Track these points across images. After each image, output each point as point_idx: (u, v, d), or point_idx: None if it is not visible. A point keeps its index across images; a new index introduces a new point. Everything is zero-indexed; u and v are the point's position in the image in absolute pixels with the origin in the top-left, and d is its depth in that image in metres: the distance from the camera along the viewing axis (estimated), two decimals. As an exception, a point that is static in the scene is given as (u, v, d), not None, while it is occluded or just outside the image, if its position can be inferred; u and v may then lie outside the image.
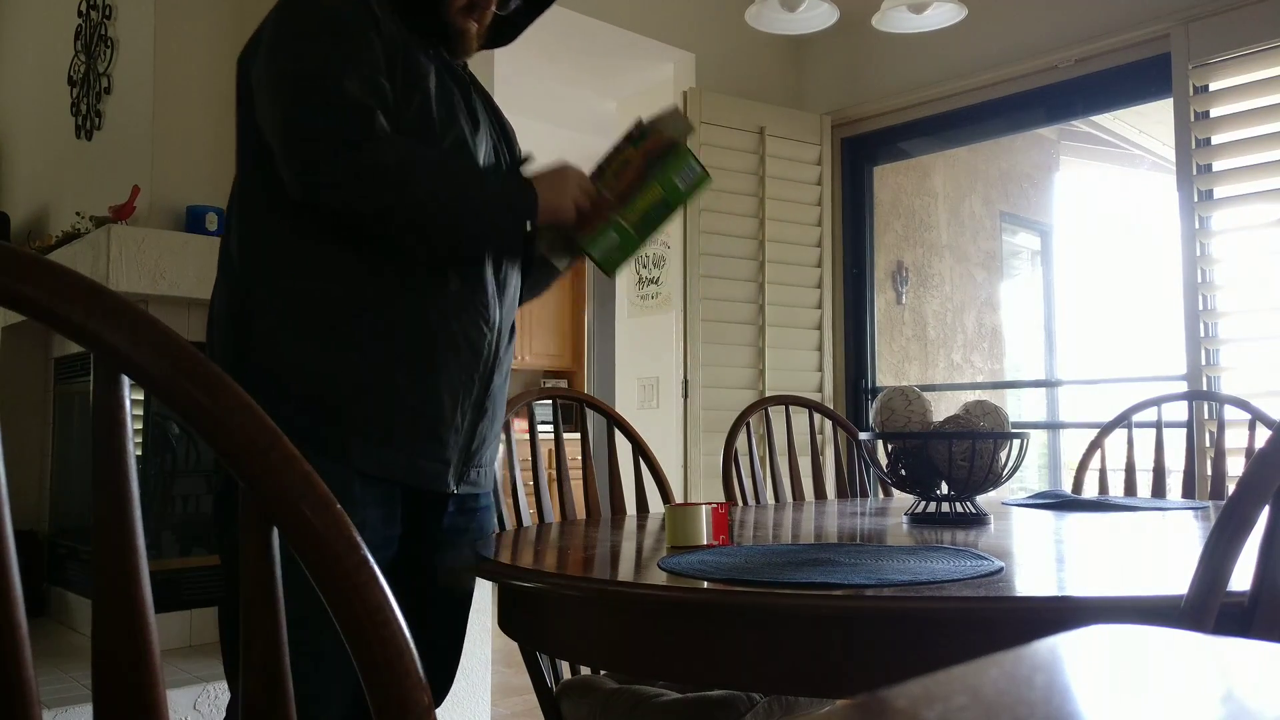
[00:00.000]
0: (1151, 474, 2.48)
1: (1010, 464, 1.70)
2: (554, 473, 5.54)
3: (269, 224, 1.35)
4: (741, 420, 2.38)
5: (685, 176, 1.50)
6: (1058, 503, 2.01)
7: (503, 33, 1.62)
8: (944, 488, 1.73)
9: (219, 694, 2.40)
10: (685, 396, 3.64)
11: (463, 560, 1.48)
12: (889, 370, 4.83)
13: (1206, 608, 0.87)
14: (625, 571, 1.27)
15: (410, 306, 1.35)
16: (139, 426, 2.77)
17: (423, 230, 1.33)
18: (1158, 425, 2.51)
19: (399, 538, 1.40)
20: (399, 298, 1.35)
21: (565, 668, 1.73)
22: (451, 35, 1.48)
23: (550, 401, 2.01)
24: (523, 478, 1.87)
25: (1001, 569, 1.09)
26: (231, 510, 1.18)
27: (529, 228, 1.45)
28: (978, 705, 0.32)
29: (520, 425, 4.46)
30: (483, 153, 1.46)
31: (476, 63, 2.88)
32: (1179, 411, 2.89)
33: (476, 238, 1.40)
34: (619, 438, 2.04)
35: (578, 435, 2.01)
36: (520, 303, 1.61)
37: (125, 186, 2.78)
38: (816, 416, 2.55)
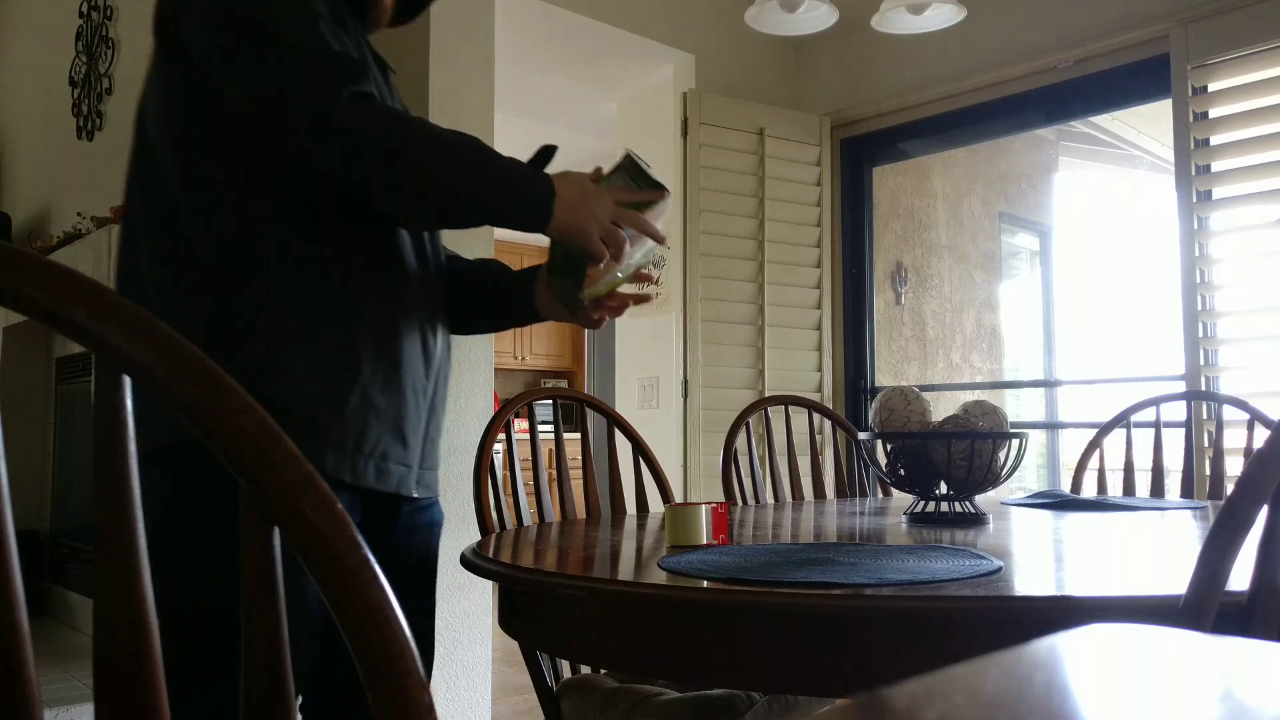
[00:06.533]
0: (1150, 474, 2.48)
1: (1009, 464, 1.70)
2: (554, 472, 5.55)
3: (245, 213, 1.24)
4: (741, 420, 2.38)
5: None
6: (1056, 502, 2.01)
7: (407, 9, 1.54)
8: (943, 487, 1.74)
9: (219, 694, 2.40)
10: (685, 396, 3.64)
11: (418, 564, 1.43)
12: (888, 370, 4.83)
13: (1205, 607, 0.87)
14: (625, 571, 1.27)
15: (379, 303, 1.31)
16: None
17: (442, 186, 1.22)
18: (1156, 425, 2.51)
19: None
20: (368, 295, 1.30)
21: (565, 667, 1.74)
22: (367, 6, 1.43)
23: (550, 401, 2.01)
24: (523, 477, 1.87)
25: (1000, 568, 1.09)
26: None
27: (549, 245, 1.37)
28: (977, 704, 0.33)
29: (520, 425, 4.46)
30: None
31: (478, 67, 2.89)
32: (1177, 411, 2.89)
33: (486, 202, 1.27)
34: (619, 437, 2.04)
35: (578, 435, 2.01)
36: (481, 329, 1.58)
37: (125, 187, 2.77)
38: (816, 416, 2.55)
